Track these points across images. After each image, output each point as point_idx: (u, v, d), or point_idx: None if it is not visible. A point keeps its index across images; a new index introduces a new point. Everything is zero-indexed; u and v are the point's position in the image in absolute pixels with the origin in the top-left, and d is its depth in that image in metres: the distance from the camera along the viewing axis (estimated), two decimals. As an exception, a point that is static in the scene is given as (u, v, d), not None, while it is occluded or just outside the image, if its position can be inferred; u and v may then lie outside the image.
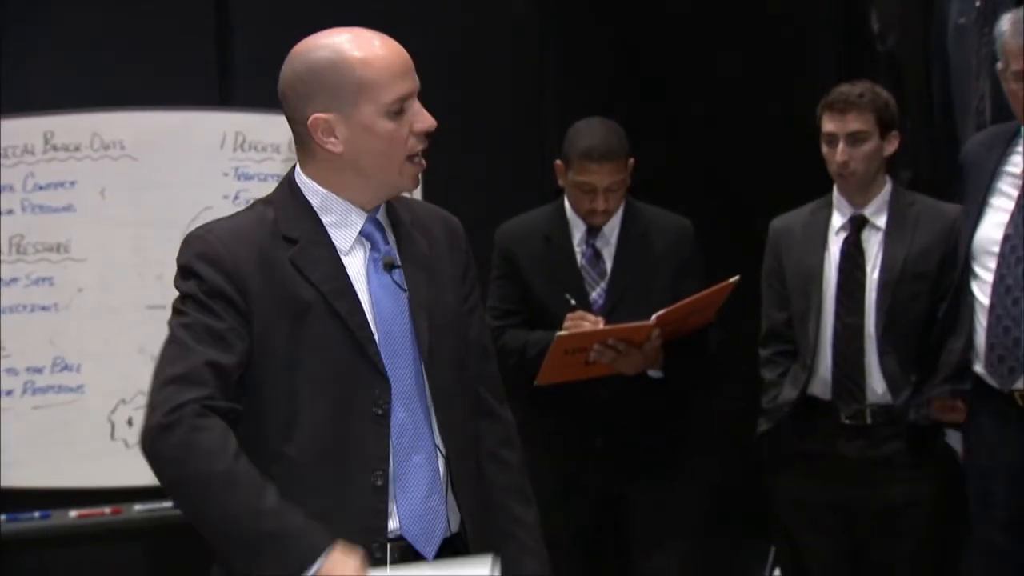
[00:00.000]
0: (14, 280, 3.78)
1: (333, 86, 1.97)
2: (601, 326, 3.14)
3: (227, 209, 2.16)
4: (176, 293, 2.00)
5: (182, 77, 4.02)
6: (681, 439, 3.37)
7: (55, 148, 3.82)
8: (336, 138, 1.99)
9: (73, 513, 3.85)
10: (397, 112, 1.99)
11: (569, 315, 3.18)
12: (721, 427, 3.84)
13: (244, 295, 1.95)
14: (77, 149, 3.83)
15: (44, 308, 3.80)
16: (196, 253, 1.98)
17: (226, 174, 3.94)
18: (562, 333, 3.08)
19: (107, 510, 3.84)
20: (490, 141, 4.30)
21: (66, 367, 3.83)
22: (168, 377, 1.89)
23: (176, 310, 1.98)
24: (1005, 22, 2.96)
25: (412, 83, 2.01)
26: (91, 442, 3.83)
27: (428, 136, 2.04)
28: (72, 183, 3.83)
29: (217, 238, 1.99)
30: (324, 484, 1.95)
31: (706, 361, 3.35)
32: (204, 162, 3.92)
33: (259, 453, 1.94)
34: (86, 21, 3.98)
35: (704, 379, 3.45)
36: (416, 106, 2.02)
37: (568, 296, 3.23)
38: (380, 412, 1.98)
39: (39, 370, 3.81)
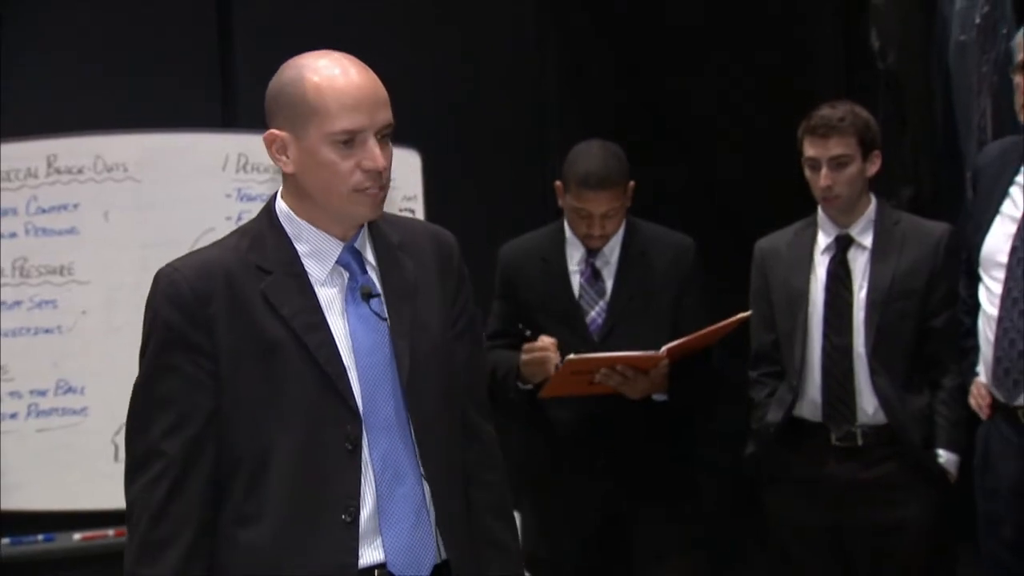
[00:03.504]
0: (17, 303, 3.79)
1: (290, 106, 1.96)
2: (552, 347, 3.13)
3: (229, 230, 2.16)
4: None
5: (184, 99, 4.04)
6: (684, 457, 3.36)
7: (58, 171, 3.82)
8: (287, 157, 1.97)
9: (77, 536, 3.84)
10: (345, 143, 1.94)
11: (526, 346, 3.16)
12: (724, 445, 3.82)
13: (211, 336, 1.94)
14: (80, 172, 3.84)
15: (47, 331, 3.80)
16: (162, 295, 1.96)
17: (228, 195, 3.94)
18: (572, 357, 3.07)
19: (111, 532, 3.83)
20: (493, 160, 4.30)
21: (70, 389, 3.83)
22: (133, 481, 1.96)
23: (142, 363, 1.99)
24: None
25: (366, 119, 1.94)
26: (95, 464, 3.82)
27: (381, 175, 1.96)
28: (75, 206, 3.84)
29: (184, 278, 1.96)
30: (296, 521, 1.93)
31: (710, 381, 3.34)
32: (207, 183, 3.92)
33: (232, 489, 1.95)
34: (88, 44, 4.00)
35: (708, 399, 3.44)
36: (369, 143, 1.94)
37: (521, 325, 3.22)
38: (351, 448, 1.96)
39: (43, 393, 3.81)
